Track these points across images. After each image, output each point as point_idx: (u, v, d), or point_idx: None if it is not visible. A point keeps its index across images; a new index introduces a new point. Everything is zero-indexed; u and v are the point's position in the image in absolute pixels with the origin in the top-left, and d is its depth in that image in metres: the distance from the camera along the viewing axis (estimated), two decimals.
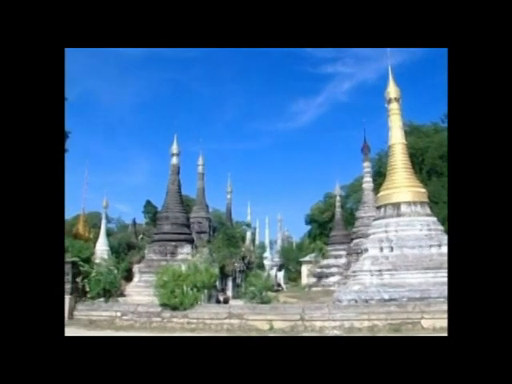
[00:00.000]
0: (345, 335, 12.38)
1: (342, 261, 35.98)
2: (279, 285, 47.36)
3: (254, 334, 13.05)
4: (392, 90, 20.58)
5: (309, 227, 66.36)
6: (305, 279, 46.71)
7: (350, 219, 43.05)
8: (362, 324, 13.03)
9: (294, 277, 55.44)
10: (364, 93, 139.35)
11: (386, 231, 18.99)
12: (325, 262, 38.80)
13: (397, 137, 20.32)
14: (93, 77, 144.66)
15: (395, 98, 20.49)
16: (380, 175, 35.34)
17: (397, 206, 19.25)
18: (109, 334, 13.21)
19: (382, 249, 18.57)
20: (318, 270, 38.91)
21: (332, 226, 43.74)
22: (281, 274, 52.67)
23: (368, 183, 35.96)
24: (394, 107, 20.49)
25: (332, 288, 30.34)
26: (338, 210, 41.49)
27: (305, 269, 48.56)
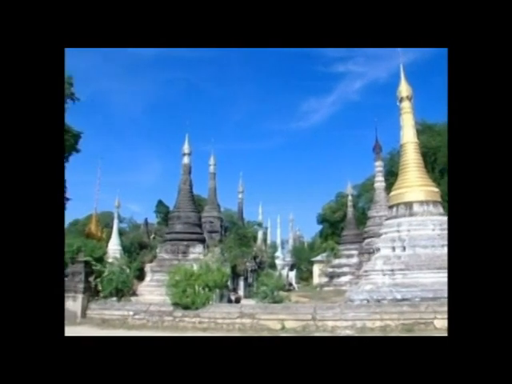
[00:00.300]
0: (356, 335, 12.32)
1: (354, 260, 35.85)
2: (291, 284, 47.28)
3: (265, 333, 13.03)
4: (404, 89, 20.42)
5: (320, 227, 66.28)
6: (316, 279, 46.56)
7: (361, 219, 42.86)
8: (374, 324, 12.96)
9: (305, 276, 55.32)
10: (376, 91, 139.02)
11: (398, 231, 18.86)
12: (336, 261, 38.65)
13: (409, 136, 20.16)
14: (105, 77, 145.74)
15: (407, 97, 20.32)
16: (392, 174, 35.11)
17: (409, 205, 19.11)
18: (121, 333, 13.28)
19: (394, 248, 18.45)
20: (330, 270, 38.79)
21: (344, 225, 43.61)
22: (292, 274, 52.62)
23: (380, 182, 35.77)
24: (406, 106, 20.32)
25: (344, 288, 30.22)
26: (349, 210, 41.30)
27: (316, 268, 48.42)
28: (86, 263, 16.92)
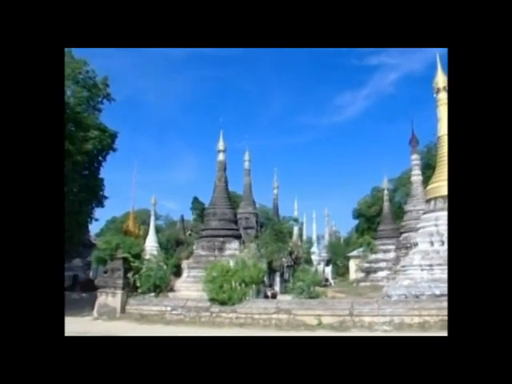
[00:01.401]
0: (392, 333, 12.16)
1: (391, 255, 35.34)
2: (327, 280, 47.09)
3: (302, 329, 13.04)
4: (440, 80, 19.85)
5: (356, 222, 65.62)
6: (353, 274, 46.22)
7: (398, 213, 42.19)
8: (412, 320, 12.77)
9: (341, 272, 54.99)
10: (411, 83, 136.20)
11: (436, 225, 18.46)
12: (373, 256, 38.18)
13: (446, 128, 19.69)
14: (140, 77, 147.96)
15: (444, 88, 19.71)
16: (429, 168, 34.47)
17: (447, 198, 18.68)
18: (159, 328, 13.52)
19: (432, 243, 18.09)
20: (367, 265, 38.36)
21: (380, 220, 42.97)
22: (328, 269, 52.39)
23: (417, 176, 35.15)
24: (443, 97, 19.71)
25: (381, 283, 29.85)
26: (385, 204, 40.70)
27: (353, 264, 48.06)
28: (125, 260, 17.24)
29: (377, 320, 13.03)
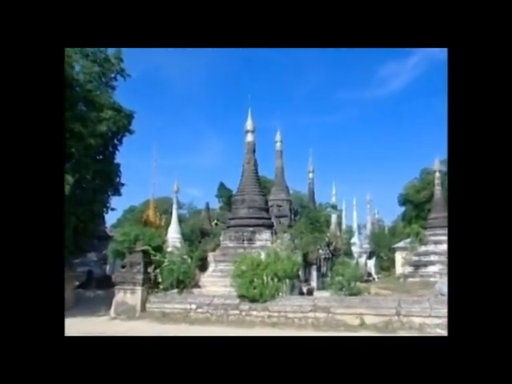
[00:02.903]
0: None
1: (443, 247, 34.73)
2: (370, 274, 46.81)
3: (342, 329, 12.93)
4: None
5: (403, 209, 64.87)
6: (399, 268, 45.75)
7: None
8: None
9: (386, 266, 54.54)
10: None
11: None
12: (423, 248, 37.65)
13: None
14: (159, 50, 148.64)
15: None
16: None
17: None
18: (183, 328, 13.61)
19: None
20: (415, 258, 37.88)
21: (431, 207, 42.22)
22: (371, 263, 51.98)
23: None
24: None
25: (432, 279, 29.50)
26: (437, 189, 39.89)
27: (399, 256, 47.55)
28: (145, 253, 17.33)
29: (429, 321, 12.79)
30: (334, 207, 51.67)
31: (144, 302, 16.44)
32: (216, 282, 23.34)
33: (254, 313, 14.57)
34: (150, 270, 17.23)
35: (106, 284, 24.05)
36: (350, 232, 58.60)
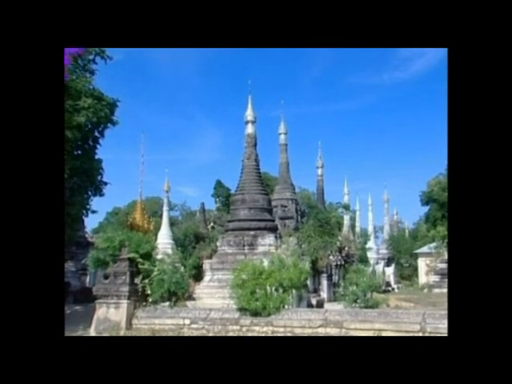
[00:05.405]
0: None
1: None
2: (388, 284, 46.94)
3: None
4: None
5: (426, 208, 64.72)
6: (423, 277, 45.96)
7: None
8: None
9: (407, 274, 54.73)
10: None
11: None
12: None
13: None
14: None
15: None
16: None
17: None
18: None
19: None
20: (442, 266, 37.97)
21: None
22: (390, 270, 52.09)
23: None
24: None
25: None
26: None
27: (422, 263, 47.73)
28: (131, 261, 17.24)
29: None
30: (347, 207, 51.77)
31: (130, 317, 16.30)
32: (213, 294, 23.41)
33: (257, 328, 14.52)
34: (137, 280, 17.15)
35: (86, 298, 24.02)
36: (365, 235, 58.77)
